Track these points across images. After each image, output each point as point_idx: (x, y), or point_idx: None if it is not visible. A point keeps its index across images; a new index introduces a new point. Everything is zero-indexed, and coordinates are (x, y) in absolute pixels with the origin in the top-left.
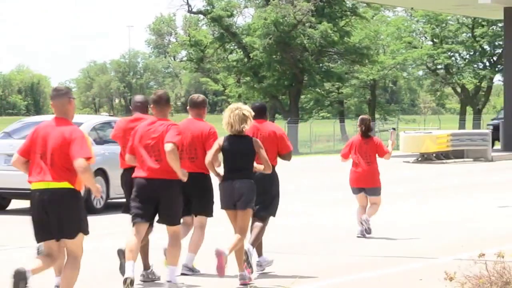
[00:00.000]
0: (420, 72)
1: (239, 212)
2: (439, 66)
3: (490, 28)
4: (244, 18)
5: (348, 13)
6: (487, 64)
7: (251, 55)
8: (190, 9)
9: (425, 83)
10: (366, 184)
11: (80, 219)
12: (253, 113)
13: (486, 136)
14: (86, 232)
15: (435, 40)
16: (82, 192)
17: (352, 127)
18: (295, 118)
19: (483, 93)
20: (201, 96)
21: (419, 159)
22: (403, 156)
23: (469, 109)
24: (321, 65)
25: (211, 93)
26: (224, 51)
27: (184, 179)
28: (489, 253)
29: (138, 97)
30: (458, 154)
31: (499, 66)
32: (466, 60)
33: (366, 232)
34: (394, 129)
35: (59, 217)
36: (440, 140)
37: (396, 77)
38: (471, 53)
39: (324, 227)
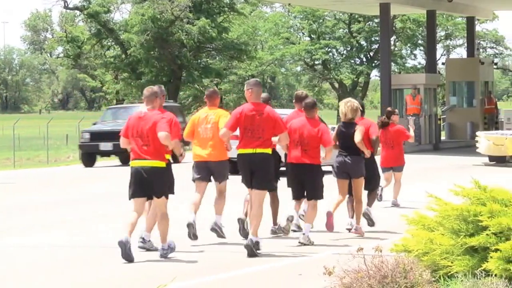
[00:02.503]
0: (298, 68)
1: (353, 180)
2: (316, 62)
3: (367, 24)
4: (121, 14)
5: (226, 9)
6: (364, 59)
7: (128, 51)
8: (66, 5)
9: (303, 78)
10: (393, 164)
11: (271, 177)
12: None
13: None
14: (274, 189)
15: (312, 36)
16: None
17: None
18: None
19: (361, 88)
20: (304, 92)
21: None
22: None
23: None
24: (199, 61)
25: (88, 90)
26: (101, 48)
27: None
28: (367, 247)
29: (263, 95)
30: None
31: (375, 61)
32: (343, 56)
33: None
34: (412, 116)
35: (260, 173)
36: None
37: (274, 73)
38: (348, 48)
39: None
